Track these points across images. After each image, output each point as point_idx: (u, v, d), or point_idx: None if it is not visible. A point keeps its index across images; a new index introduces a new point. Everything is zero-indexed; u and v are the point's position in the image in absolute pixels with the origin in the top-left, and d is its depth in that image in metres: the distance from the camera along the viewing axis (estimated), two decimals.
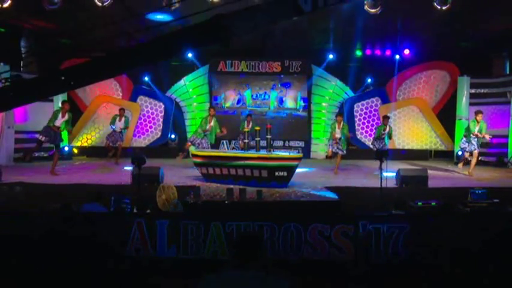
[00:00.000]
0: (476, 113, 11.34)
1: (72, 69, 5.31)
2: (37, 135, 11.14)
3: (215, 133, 11.90)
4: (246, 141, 10.23)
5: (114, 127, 13.13)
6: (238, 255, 2.99)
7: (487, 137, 11.13)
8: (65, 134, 14.64)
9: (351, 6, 10.35)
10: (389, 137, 12.26)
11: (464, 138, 11.40)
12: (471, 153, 11.33)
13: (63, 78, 4.49)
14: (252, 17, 4.32)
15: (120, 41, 14.06)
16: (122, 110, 13.42)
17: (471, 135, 11.16)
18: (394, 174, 9.83)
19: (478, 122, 11.18)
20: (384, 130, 12.18)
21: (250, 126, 12.29)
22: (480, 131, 11.09)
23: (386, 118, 12.41)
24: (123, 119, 13.27)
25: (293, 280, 3.02)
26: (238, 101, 15.60)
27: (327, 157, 12.74)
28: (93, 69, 4.72)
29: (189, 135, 14.66)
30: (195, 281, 3.00)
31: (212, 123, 11.78)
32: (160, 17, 10.90)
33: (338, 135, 11.76)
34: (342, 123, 11.86)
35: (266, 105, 15.59)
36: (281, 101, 15.58)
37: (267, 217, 6.12)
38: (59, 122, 11.04)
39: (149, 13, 10.75)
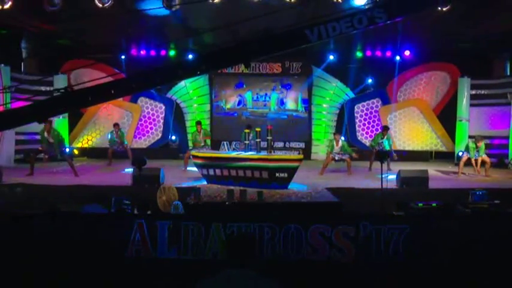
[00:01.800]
0: (478, 139, 11.43)
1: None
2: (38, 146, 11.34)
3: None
4: (247, 142, 10.22)
5: (111, 140, 13.30)
6: (231, 255, 3.05)
7: (487, 159, 11.37)
8: (65, 135, 14.70)
9: (350, 8, 10.35)
10: (389, 145, 12.30)
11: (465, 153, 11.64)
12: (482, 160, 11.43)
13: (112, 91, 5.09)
14: (270, 45, 4.99)
15: (121, 41, 14.25)
16: (116, 125, 13.39)
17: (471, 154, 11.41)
18: (395, 176, 9.82)
19: (477, 147, 11.28)
20: (381, 139, 12.23)
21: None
22: (479, 151, 11.28)
23: (386, 129, 12.47)
24: (118, 133, 13.29)
25: (286, 281, 3.04)
26: (239, 103, 15.61)
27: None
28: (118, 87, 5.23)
29: (189, 136, 14.68)
30: (196, 282, 3.01)
31: (201, 137, 11.92)
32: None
33: (337, 151, 11.77)
34: (340, 141, 11.85)
35: (267, 107, 15.59)
36: (282, 103, 15.58)
37: (268, 218, 6.12)
38: (50, 139, 11.06)
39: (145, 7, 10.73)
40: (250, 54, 4.91)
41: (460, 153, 12.49)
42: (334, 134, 12.37)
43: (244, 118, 15.00)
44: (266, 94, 15.57)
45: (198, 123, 12.61)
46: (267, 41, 4.98)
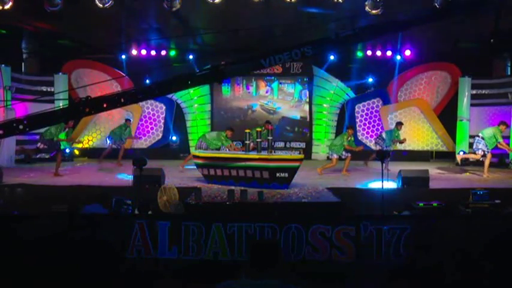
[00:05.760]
0: (503, 123, 11.23)
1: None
2: (37, 143, 11.13)
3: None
4: (248, 142, 10.22)
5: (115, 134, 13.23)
6: (254, 263, 2.90)
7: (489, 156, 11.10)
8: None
9: (351, 8, 10.36)
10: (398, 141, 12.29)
11: (483, 141, 11.05)
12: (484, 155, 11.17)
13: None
14: (238, 68, 6.69)
15: (121, 42, 14.25)
16: (127, 121, 13.44)
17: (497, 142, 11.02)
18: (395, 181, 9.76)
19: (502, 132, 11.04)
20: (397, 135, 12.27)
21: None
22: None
23: (399, 124, 12.49)
24: (127, 130, 13.32)
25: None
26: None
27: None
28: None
29: (190, 137, 14.70)
30: (197, 282, 2.98)
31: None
32: None
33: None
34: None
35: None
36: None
37: (268, 218, 6.12)
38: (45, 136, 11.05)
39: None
40: (223, 76, 6.41)
41: (483, 152, 11.30)
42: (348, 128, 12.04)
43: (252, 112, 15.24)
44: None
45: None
46: (234, 67, 6.54)
